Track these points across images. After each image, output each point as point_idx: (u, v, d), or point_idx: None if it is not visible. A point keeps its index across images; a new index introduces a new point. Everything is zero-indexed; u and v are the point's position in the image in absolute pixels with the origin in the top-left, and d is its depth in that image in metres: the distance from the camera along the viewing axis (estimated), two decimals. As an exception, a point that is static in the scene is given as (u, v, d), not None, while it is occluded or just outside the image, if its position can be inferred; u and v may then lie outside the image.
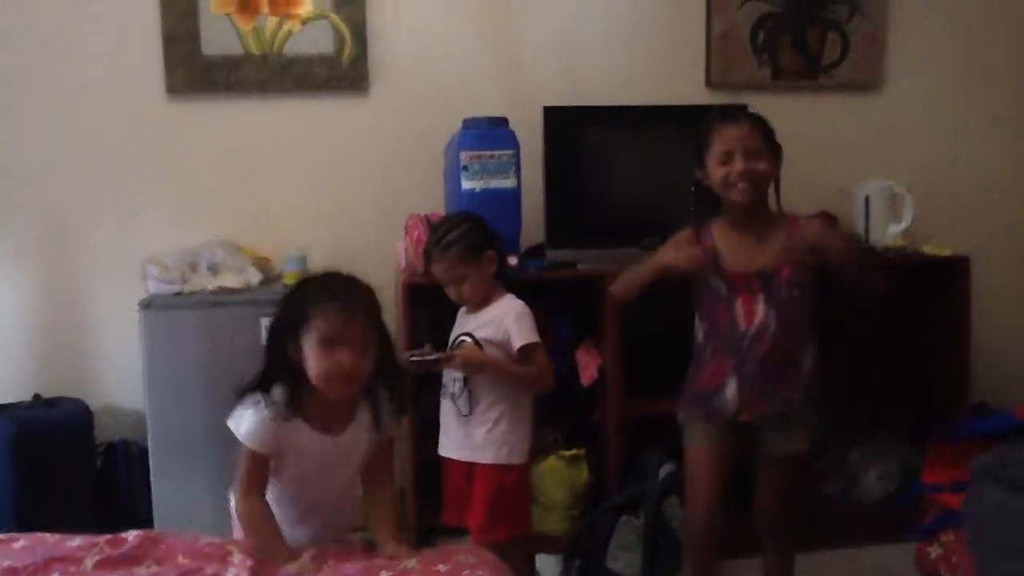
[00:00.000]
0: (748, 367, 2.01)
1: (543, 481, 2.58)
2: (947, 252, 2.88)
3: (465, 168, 2.52)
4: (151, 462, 2.56)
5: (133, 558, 1.58)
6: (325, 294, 1.65)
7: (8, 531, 1.77)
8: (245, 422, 1.66)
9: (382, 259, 2.73)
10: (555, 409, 2.60)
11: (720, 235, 2.06)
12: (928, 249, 2.91)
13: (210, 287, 2.60)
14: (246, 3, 2.86)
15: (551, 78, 3.00)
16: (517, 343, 2.13)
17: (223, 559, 1.58)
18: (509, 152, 2.54)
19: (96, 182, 2.87)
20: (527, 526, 2.26)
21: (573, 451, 2.63)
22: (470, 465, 2.18)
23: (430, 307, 2.52)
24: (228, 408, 1.71)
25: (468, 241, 2.17)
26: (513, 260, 2.46)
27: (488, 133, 2.55)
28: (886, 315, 2.90)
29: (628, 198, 2.76)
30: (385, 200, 2.92)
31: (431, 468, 2.35)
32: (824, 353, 2.08)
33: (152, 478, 2.56)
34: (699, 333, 2.11)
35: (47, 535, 1.66)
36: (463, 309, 2.25)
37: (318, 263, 2.50)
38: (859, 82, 3.19)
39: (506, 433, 2.16)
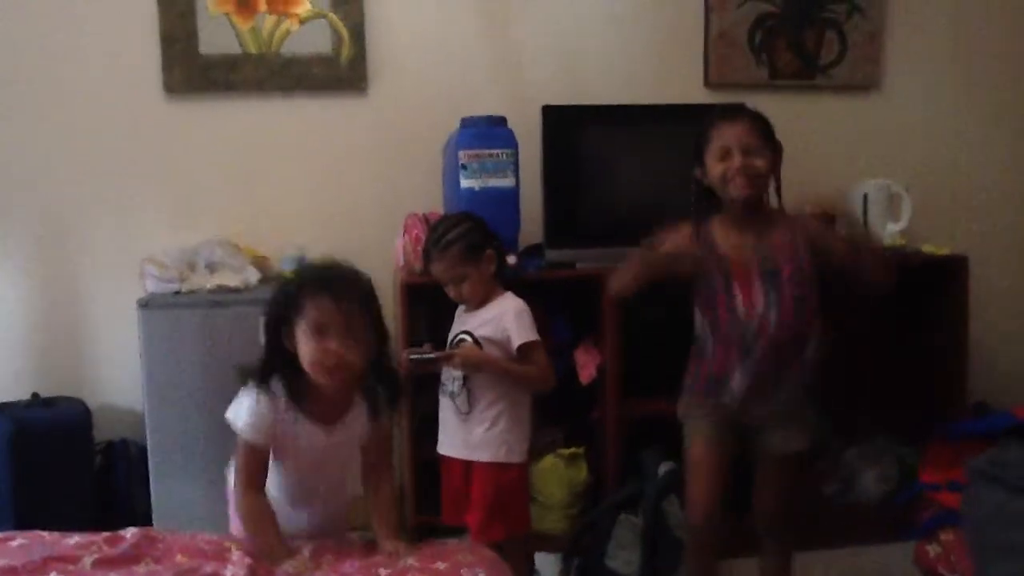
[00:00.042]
0: (751, 362, 2.01)
1: (542, 480, 2.58)
2: (945, 251, 2.88)
3: (464, 167, 2.51)
4: (150, 461, 2.55)
5: (131, 557, 1.58)
6: (318, 283, 1.66)
7: (6, 531, 1.76)
8: (243, 413, 1.67)
9: (381, 258, 2.72)
10: (554, 408, 2.59)
11: (720, 233, 2.06)
12: (926, 248, 2.91)
13: (209, 286, 2.60)
14: (244, 2, 2.86)
15: (550, 77, 3.00)
16: (517, 341, 2.13)
17: (221, 557, 1.58)
18: (508, 151, 2.54)
19: (95, 181, 2.87)
20: (526, 525, 2.26)
21: (572, 450, 2.63)
22: (468, 464, 2.18)
23: (429, 306, 2.52)
24: (227, 407, 1.71)
25: (468, 241, 2.17)
26: (512, 259, 2.46)
27: (487, 132, 2.55)
28: (884, 315, 2.90)
29: (627, 197, 2.76)
30: (383, 199, 2.92)
31: (430, 467, 2.35)
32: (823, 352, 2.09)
33: (151, 477, 2.55)
34: (700, 330, 2.10)
35: (45, 533, 1.65)
36: (461, 308, 2.25)
37: (317, 262, 2.50)
38: (857, 82, 3.20)
39: (505, 432, 2.16)
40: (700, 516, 2.09)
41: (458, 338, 2.19)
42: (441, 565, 1.58)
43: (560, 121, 2.70)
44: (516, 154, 2.56)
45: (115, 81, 2.85)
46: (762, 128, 2.01)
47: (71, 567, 1.54)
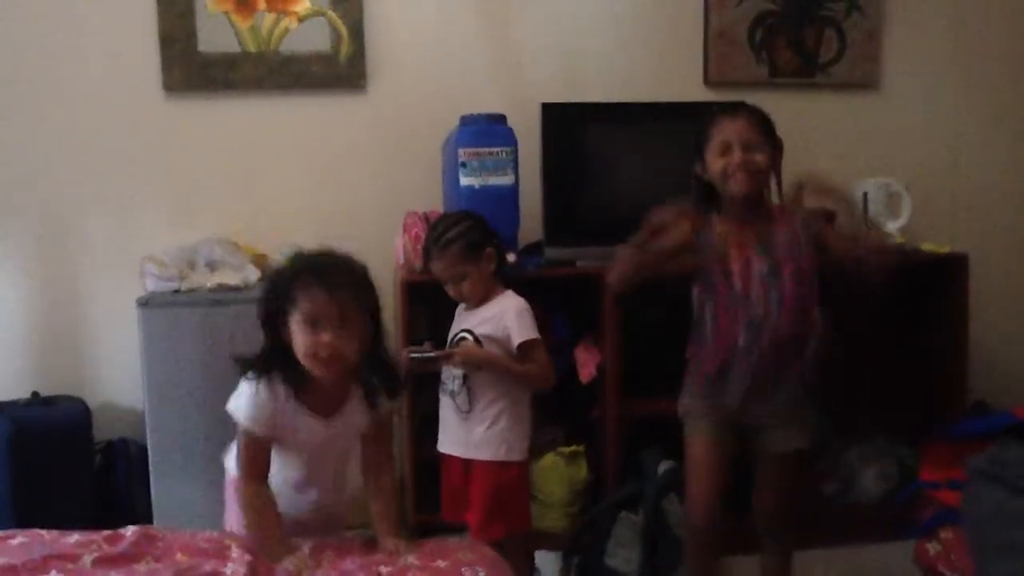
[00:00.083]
0: (750, 362, 2.00)
1: (542, 478, 2.58)
2: (945, 250, 2.88)
3: (463, 165, 2.51)
4: (150, 460, 2.55)
5: (131, 555, 1.58)
6: (311, 273, 1.64)
7: (6, 529, 1.75)
8: (243, 404, 1.67)
9: (380, 256, 2.69)
10: (554, 406, 2.59)
11: (720, 229, 2.05)
12: (926, 247, 2.91)
13: (208, 285, 2.60)
14: (243, 1, 2.86)
15: (549, 75, 3.00)
16: (517, 340, 2.12)
17: (221, 555, 1.58)
18: (507, 149, 2.54)
19: (94, 180, 2.87)
20: (526, 523, 2.26)
21: (572, 448, 2.63)
22: (469, 462, 2.18)
23: (429, 304, 2.52)
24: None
25: (468, 239, 2.16)
26: (512, 257, 2.45)
27: (486, 130, 2.55)
28: (884, 315, 2.90)
29: (627, 195, 2.74)
30: (383, 197, 2.92)
31: (430, 466, 2.35)
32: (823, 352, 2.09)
33: (151, 476, 2.55)
34: (699, 327, 2.10)
35: (44, 532, 1.65)
36: (461, 306, 2.25)
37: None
38: (856, 80, 3.19)
39: (505, 430, 2.15)
40: (700, 516, 2.08)
41: (459, 336, 2.19)
42: (442, 563, 1.58)
43: (560, 119, 2.70)
44: (516, 152, 2.56)
45: (115, 81, 2.85)
46: (763, 124, 2.01)
47: (71, 565, 1.54)
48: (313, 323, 1.61)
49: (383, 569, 1.56)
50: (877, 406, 2.97)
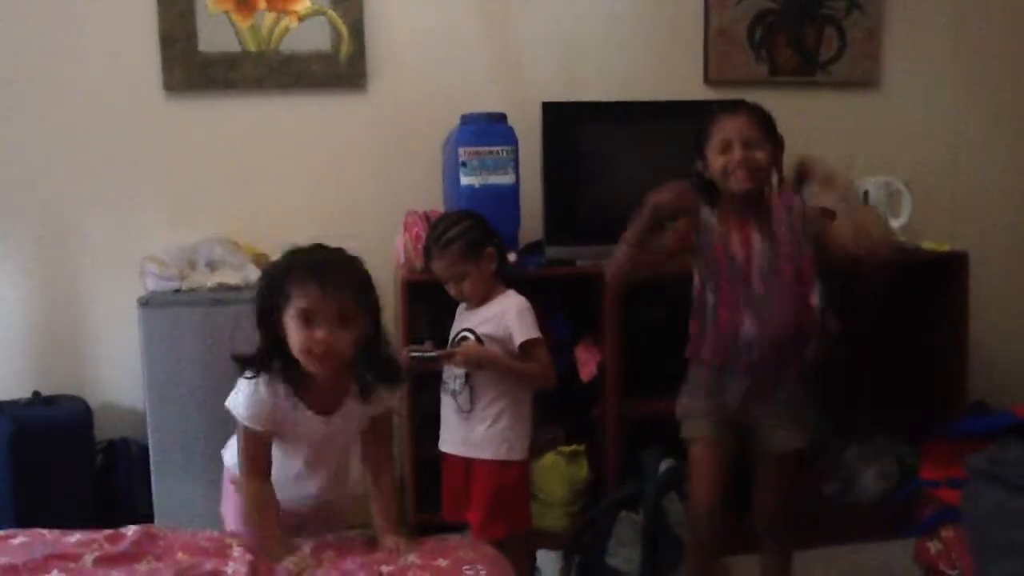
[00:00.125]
0: (750, 362, 2.00)
1: (543, 477, 2.58)
2: (946, 248, 2.88)
3: (464, 164, 2.51)
4: (151, 460, 2.55)
5: (132, 555, 1.58)
6: (305, 269, 1.63)
7: (7, 529, 1.76)
8: (242, 401, 1.67)
9: (381, 256, 2.69)
10: (555, 406, 2.59)
11: (720, 227, 2.04)
12: (926, 245, 2.91)
13: (209, 284, 2.60)
14: (244, 0, 2.85)
15: (550, 74, 2.99)
16: (519, 339, 2.12)
17: (222, 554, 1.58)
18: (508, 148, 2.54)
19: (95, 180, 2.87)
20: (527, 522, 2.26)
21: (573, 447, 2.63)
22: (469, 461, 2.18)
23: (429, 304, 2.52)
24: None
25: (468, 238, 2.16)
26: (512, 257, 2.45)
27: (486, 129, 2.55)
28: (884, 314, 2.90)
29: (627, 194, 2.70)
30: (383, 197, 2.91)
31: (431, 466, 2.35)
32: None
33: (152, 476, 2.55)
34: (698, 326, 2.10)
35: (45, 532, 1.65)
36: (462, 305, 2.25)
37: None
38: (857, 78, 3.19)
39: (506, 430, 2.15)
40: (700, 515, 2.09)
41: (460, 336, 2.19)
42: (443, 562, 1.58)
43: (560, 118, 2.69)
44: (516, 151, 2.56)
45: (115, 80, 2.85)
46: (763, 121, 2.01)
47: (72, 565, 1.54)
48: (307, 319, 1.60)
49: (384, 568, 1.56)
50: (877, 405, 2.97)
